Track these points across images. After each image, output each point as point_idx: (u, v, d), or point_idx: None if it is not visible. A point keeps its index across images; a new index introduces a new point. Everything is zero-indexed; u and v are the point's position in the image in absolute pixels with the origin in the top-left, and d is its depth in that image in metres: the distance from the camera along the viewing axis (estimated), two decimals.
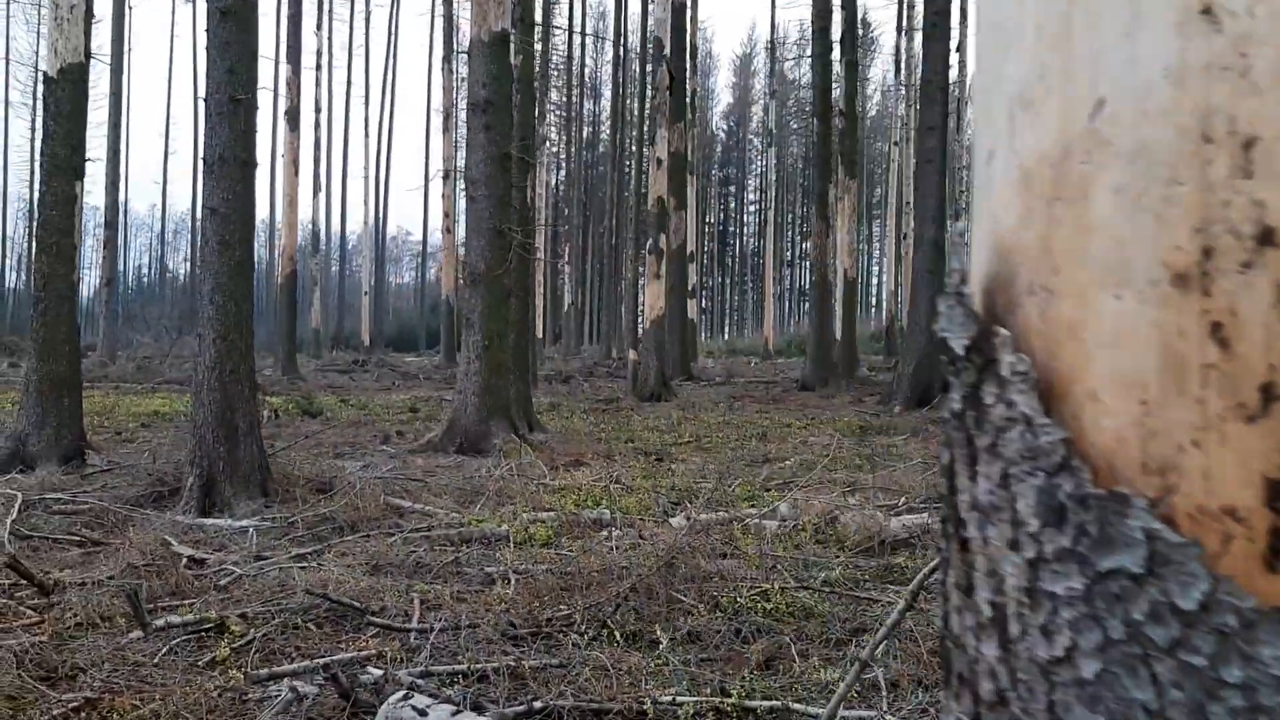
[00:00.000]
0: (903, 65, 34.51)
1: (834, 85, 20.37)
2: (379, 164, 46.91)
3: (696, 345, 31.52)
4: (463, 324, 10.70)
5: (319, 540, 6.29)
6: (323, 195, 43.56)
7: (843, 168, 20.73)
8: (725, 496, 7.87)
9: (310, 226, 40.83)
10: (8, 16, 51.31)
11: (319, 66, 41.87)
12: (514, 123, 11.13)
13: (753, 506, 7.32)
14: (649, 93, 19.68)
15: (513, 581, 5.12)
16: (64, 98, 9.47)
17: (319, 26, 41.74)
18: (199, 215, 7.09)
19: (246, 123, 7.26)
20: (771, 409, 17.00)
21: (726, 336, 70.03)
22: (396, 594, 4.94)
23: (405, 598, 4.88)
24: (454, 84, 31.35)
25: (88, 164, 10.01)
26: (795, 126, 70.04)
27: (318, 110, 40.47)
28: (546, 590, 4.91)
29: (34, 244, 9.79)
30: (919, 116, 15.98)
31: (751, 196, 78.17)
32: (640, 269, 22.29)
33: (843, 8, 20.94)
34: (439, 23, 47.00)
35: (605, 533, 6.37)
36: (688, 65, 24.75)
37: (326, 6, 43.09)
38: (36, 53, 45.49)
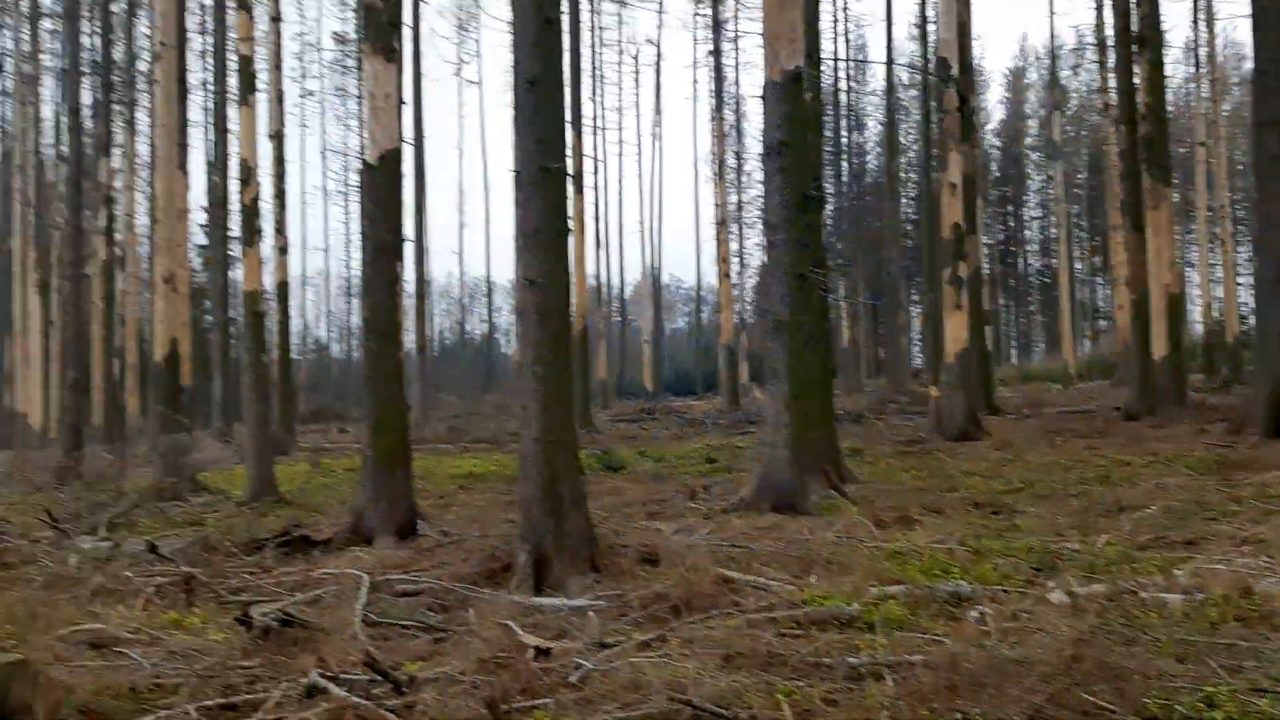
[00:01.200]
0: (1202, 58, 31.49)
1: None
2: (652, 216, 48.01)
3: (992, 375, 29.73)
4: (766, 373, 10.26)
5: (657, 622, 5.95)
6: (604, 251, 44.98)
7: (1154, 175, 18.87)
8: (1096, 560, 6.94)
9: (594, 281, 42.13)
10: (323, 113, 56.51)
11: (593, 130, 43.39)
12: (809, 162, 10.66)
13: (1137, 573, 6.37)
14: (932, 116, 18.71)
15: (887, 679, 4.54)
16: (383, 183, 9.87)
17: (593, 93, 43.34)
18: (502, 284, 6.94)
19: (558, 192, 7.17)
20: (1099, 444, 15.49)
21: (1015, 362, 66.23)
22: (758, 694, 4.48)
23: (770, 699, 4.40)
24: (723, 132, 31.47)
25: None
26: (1075, 137, 65.81)
27: (595, 171, 41.85)
28: (930, 691, 4.30)
29: (362, 324, 10.24)
30: (1253, 110, 14.20)
31: (1031, 214, 74.05)
32: (914, 298, 21.21)
33: (1141, 4, 19.20)
34: (703, 74, 47.74)
35: (972, 611, 5.66)
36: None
37: (596, 73, 44.71)
38: (346, 142, 49.65)
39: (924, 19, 24.26)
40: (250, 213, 13.62)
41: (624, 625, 5.93)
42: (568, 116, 26.21)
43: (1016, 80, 69.20)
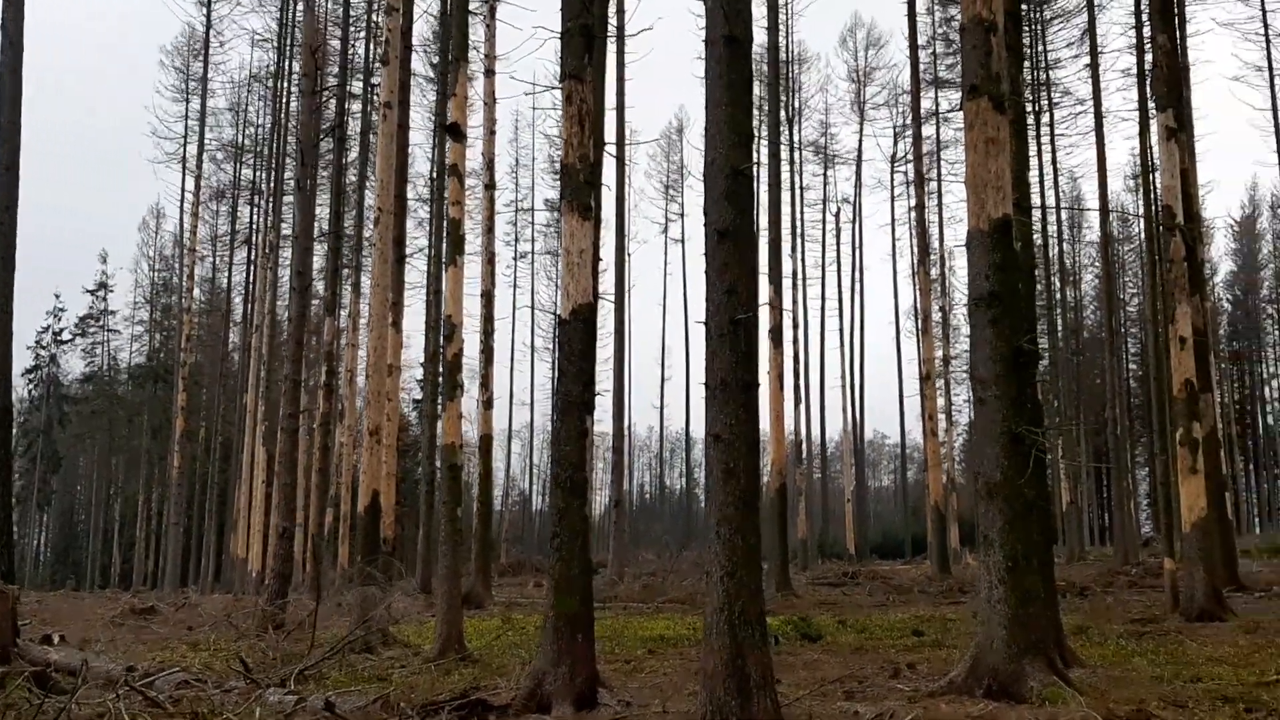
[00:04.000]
0: None
1: None
2: (853, 372, 47.25)
3: (1234, 546, 26.94)
4: (980, 541, 9.41)
5: None
6: (803, 407, 44.36)
7: None
8: None
9: (792, 438, 41.42)
10: (532, 273, 59.16)
11: (794, 285, 43.48)
12: (1021, 314, 9.99)
13: None
14: (1157, 269, 17.58)
15: None
16: (575, 337, 9.84)
17: (793, 250, 43.63)
18: (702, 439, 6.62)
19: (748, 344, 6.88)
20: None
21: (1260, 531, 60.40)
22: None
23: None
24: (928, 285, 30.79)
25: (597, 397, 10.29)
26: None
27: (795, 326, 41.68)
28: None
29: (549, 478, 10.11)
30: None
31: (1270, 369, 68.79)
32: (1140, 459, 19.52)
33: None
34: (902, 230, 47.42)
35: None
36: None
37: (799, 229, 45.10)
38: (554, 300, 51.69)
39: (1144, 166, 23.15)
40: (452, 368, 13.95)
41: None
42: (765, 269, 26.47)
43: (1247, 228, 65.47)
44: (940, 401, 40.68)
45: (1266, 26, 34.97)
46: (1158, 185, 18.34)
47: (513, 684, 10.01)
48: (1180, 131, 17.42)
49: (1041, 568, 9.62)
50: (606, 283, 31.22)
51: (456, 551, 13.66)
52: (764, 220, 26.83)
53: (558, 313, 10.09)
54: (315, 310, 30.45)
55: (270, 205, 35.22)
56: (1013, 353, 9.46)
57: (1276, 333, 67.87)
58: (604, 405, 40.71)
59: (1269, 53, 34.39)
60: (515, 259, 56.44)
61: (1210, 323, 36.60)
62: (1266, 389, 68.65)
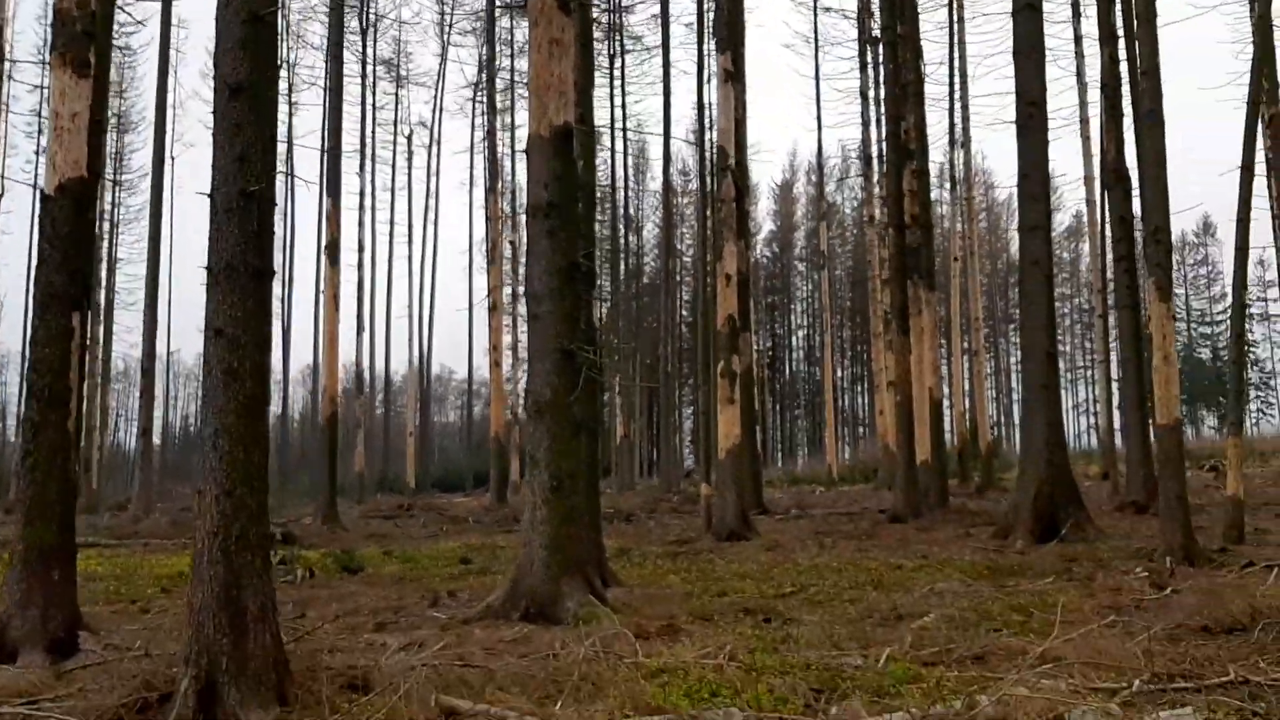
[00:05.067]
0: (959, 179, 33.24)
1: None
2: (422, 302, 46.28)
3: (761, 476, 29.57)
4: (526, 462, 9.02)
5: None
6: (366, 336, 42.81)
7: (920, 281, 19.15)
8: (881, 680, 5.99)
9: (354, 368, 39.84)
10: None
11: (361, 207, 41.63)
12: (579, 229, 9.66)
13: (930, 697, 5.45)
14: (708, 211, 18.38)
15: None
16: (61, 218, 8.15)
17: (360, 169, 41.68)
18: (202, 339, 5.51)
19: (261, 222, 5.80)
20: (868, 546, 15.04)
21: (780, 465, 67.76)
22: None
23: None
24: (497, 214, 30.53)
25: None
26: (839, 250, 69.25)
27: (360, 250, 39.95)
28: None
29: (25, 386, 8.33)
30: (1019, 215, 14.45)
31: (796, 321, 77.06)
32: (688, 398, 20.65)
33: (910, 115, 19.73)
34: (478, 160, 46.97)
35: None
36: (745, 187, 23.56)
37: (369, 149, 43.14)
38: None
39: (701, 110, 24.27)
40: None
41: None
42: (324, 182, 24.75)
43: (785, 193, 72.30)
44: (507, 338, 40.98)
45: None
46: (714, 129, 19.09)
47: None
48: (737, 80, 18.23)
49: (588, 489, 9.47)
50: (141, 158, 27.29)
51: None
52: (323, 127, 24.98)
53: (41, 186, 8.32)
54: None
55: None
56: (569, 266, 9.11)
57: (804, 288, 75.96)
58: (134, 323, 36.48)
59: (815, 23, 37.68)
60: None
61: (752, 272, 39.82)
62: (793, 338, 76.77)
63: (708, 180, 18.90)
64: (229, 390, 5.60)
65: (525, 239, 9.37)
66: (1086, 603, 8.71)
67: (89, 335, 9.41)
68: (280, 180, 6.05)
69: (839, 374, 69.25)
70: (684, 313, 58.17)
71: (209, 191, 5.84)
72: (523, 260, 47.76)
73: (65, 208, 8.07)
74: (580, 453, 9.22)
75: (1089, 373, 69.37)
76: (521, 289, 51.70)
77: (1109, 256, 20.61)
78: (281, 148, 30.24)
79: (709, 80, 22.72)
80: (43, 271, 8.00)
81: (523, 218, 46.83)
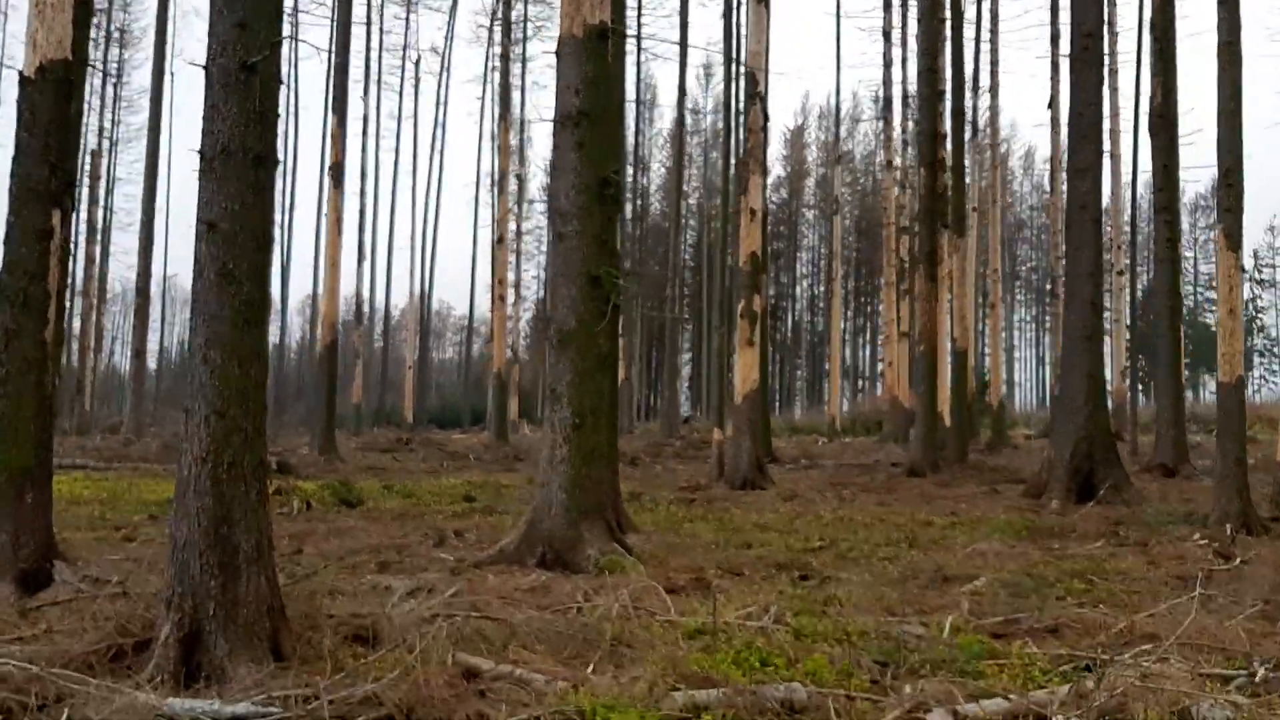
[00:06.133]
0: (981, 127, 32.17)
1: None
2: (425, 233, 45.20)
3: (770, 422, 28.92)
4: (546, 396, 8.26)
5: None
6: (367, 265, 41.90)
7: (951, 225, 18.30)
8: (952, 654, 5.29)
9: (354, 299, 38.96)
10: None
11: (365, 133, 40.50)
12: (611, 142, 8.82)
13: (1017, 677, 4.76)
14: (733, 144, 17.47)
15: None
16: (43, 103, 7.32)
17: (365, 92, 40.46)
18: (194, 236, 4.72)
19: (263, 100, 4.98)
20: (889, 500, 14.39)
21: (779, 414, 67.29)
22: None
23: None
24: (507, 144, 29.50)
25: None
26: (848, 198, 68.06)
27: (363, 177, 38.90)
28: None
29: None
30: (1068, 157, 13.57)
31: (801, 270, 76.07)
32: (687, 340, 19.86)
33: (945, 50, 18.76)
34: (488, 89, 45.67)
35: None
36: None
37: (374, 74, 41.89)
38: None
39: (727, 48, 23.05)
40: None
41: None
42: (330, 100, 23.71)
43: (796, 138, 70.87)
44: (511, 276, 40.14)
45: None
46: (743, 56, 18.08)
47: None
48: (767, 5, 17.21)
49: (609, 428, 8.71)
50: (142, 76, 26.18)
51: None
52: (331, 44, 23.92)
53: (20, 69, 7.46)
54: None
55: None
56: (599, 183, 8.30)
57: (811, 237, 74.88)
58: (129, 244, 35.56)
59: None
60: None
61: (765, 211, 38.82)
62: (798, 287, 75.84)
63: (733, 108, 17.93)
64: (223, 294, 4.83)
65: (552, 150, 8.53)
66: (1150, 571, 8.03)
67: (72, 238, 8.60)
68: (281, 97, 5.19)
69: (843, 325, 68.45)
70: (686, 257, 57.23)
71: (204, 63, 5.02)
72: (527, 198, 46.76)
73: (46, 92, 7.24)
74: (605, 388, 8.47)
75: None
76: (526, 223, 50.76)
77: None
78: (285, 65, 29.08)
79: (738, 3, 21.63)
80: (19, 163, 7.19)
81: (530, 151, 45.71)
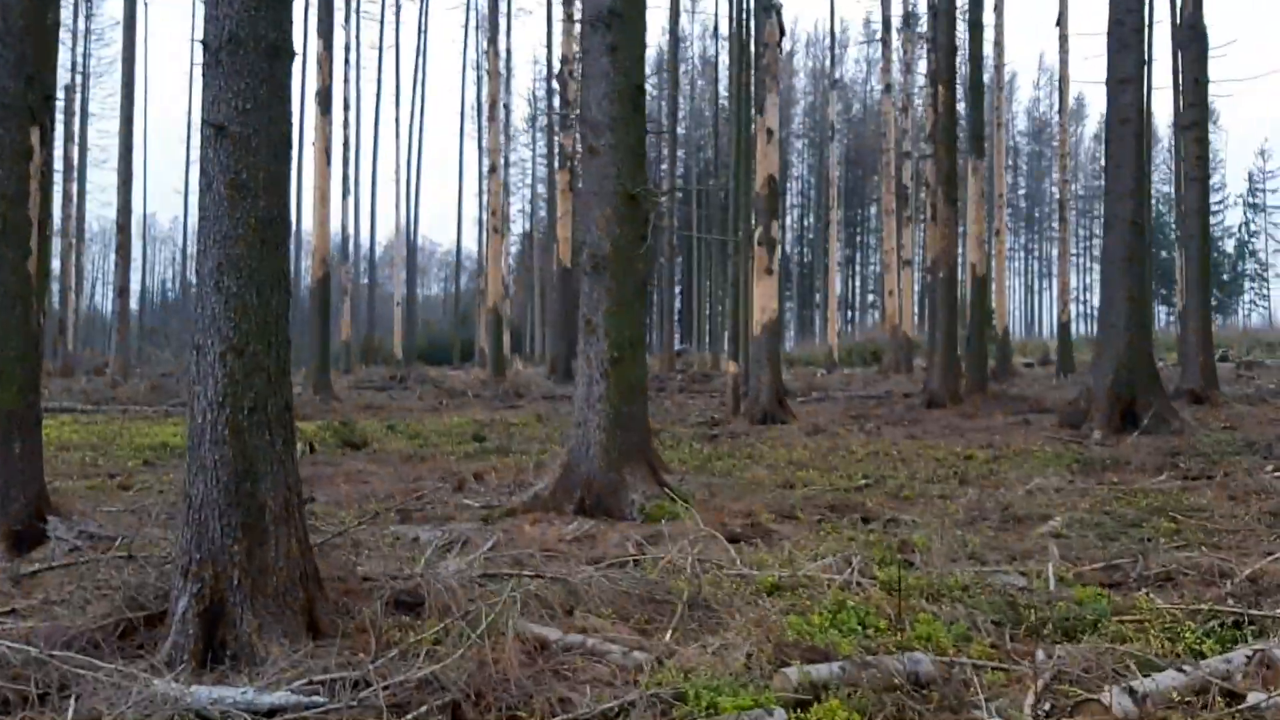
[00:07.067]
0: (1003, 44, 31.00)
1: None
2: (409, 168, 43.99)
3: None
4: (581, 326, 7.55)
5: None
6: (351, 200, 40.76)
7: (969, 147, 17.51)
8: (1078, 613, 4.67)
9: (340, 234, 37.87)
10: None
11: (347, 63, 39.11)
12: (643, 47, 8.00)
13: (1165, 642, 4.15)
14: (749, 58, 16.55)
15: None
16: (16, 8, 6.47)
17: (346, 20, 38.97)
18: (198, 144, 3.90)
19: None
20: (917, 432, 13.81)
21: None
22: None
23: None
24: (498, 68, 28.35)
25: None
26: (839, 126, 66.83)
27: (345, 109, 37.56)
28: None
29: None
30: (1108, 67, 12.77)
31: (791, 200, 75.00)
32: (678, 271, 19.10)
33: None
34: (473, 17, 44.15)
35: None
36: None
37: (354, 3, 40.35)
38: None
39: None
40: None
41: None
42: (314, 24, 22.59)
43: (784, 65, 69.37)
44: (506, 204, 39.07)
45: None
46: None
47: None
48: None
49: (642, 363, 8.02)
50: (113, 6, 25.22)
51: None
52: None
53: None
54: None
55: None
56: (634, 90, 7.51)
57: (799, 167, 73.76)
58: (106, 181, 34.32)
59: None
60: None
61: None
62: (787, 218, 74.84)
63: (741, 23, 16.99)
64: (237, 210, 4.09)
65: (581, 55, 7.72)
66: (1236, 509, 7.44)
67: (51, 163, 7.79)
68: None
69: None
70: (680, 182, 56.06)
71: None
72: (514, 128, 45.44)
73: None
74: (641, 318, 7.77)
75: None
76: (514, 155, 49.53)
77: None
78: None
79: None
80: None
81: (514, 82, 44.27)
